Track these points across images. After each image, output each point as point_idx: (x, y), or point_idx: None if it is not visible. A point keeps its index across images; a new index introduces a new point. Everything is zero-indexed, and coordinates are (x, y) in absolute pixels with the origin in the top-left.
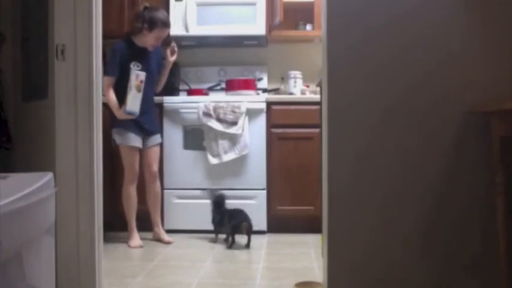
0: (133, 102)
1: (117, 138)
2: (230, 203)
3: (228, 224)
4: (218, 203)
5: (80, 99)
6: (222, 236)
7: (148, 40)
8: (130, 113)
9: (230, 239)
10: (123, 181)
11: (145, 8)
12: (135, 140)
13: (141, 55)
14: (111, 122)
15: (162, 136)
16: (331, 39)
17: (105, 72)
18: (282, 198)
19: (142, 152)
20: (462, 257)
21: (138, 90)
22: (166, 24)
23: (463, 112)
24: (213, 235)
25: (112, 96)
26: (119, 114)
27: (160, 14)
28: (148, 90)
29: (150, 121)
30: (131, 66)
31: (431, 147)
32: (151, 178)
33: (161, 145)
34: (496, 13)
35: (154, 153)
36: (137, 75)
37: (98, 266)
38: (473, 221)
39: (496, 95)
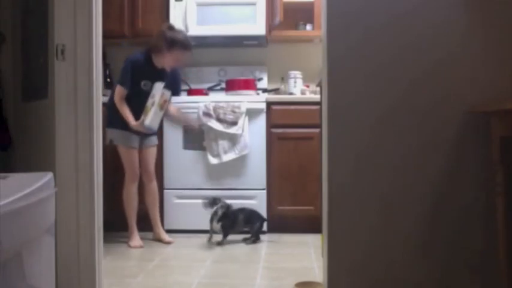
0: (154, 119)
1: (116, 139)
2: (230, 203)
3: (249, 224)
4: (219, 210)
5: (80, 99)
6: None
7: (166, 61)
8: (148, 128)
9: (253, 238)
10: (124, 181)
11: (168, 27)
12: (134, 140)
13: (156, 75)
14: (106, 120)
15: (161, 136)
16: (331, 39)
17: (120, 82)
18: (282, 198)
19: (139, 152)
20: (462, 257)
21: (161, 109)
22: (186, 46)
23: (463, 112)
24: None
25: (126, 108)
26: (136, 125)
27: (181, 35)
28: None
29: None
30: (156, 83)
31: (431, 147)
32: (148, 178)
33: (160, 146)
34: (496, 13)
35: (151, 154)
36: (163, 94)
37: (98, 266)
38: (474, 221)
39: (496, 95)
